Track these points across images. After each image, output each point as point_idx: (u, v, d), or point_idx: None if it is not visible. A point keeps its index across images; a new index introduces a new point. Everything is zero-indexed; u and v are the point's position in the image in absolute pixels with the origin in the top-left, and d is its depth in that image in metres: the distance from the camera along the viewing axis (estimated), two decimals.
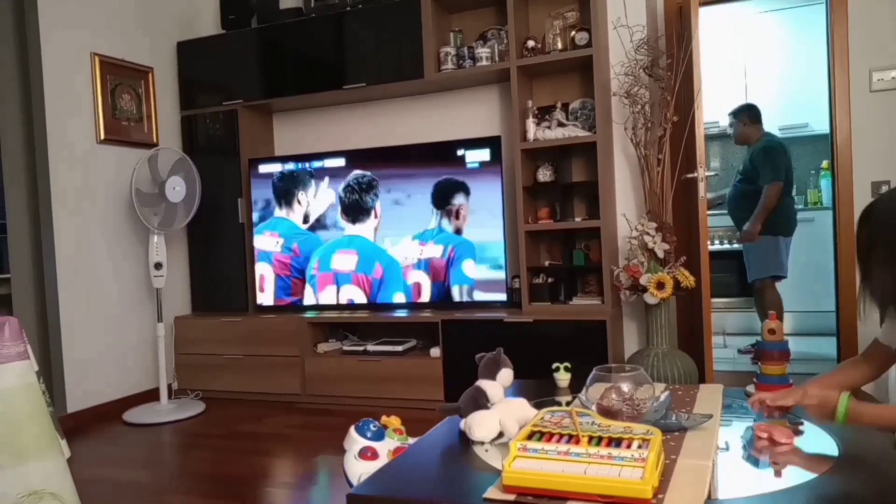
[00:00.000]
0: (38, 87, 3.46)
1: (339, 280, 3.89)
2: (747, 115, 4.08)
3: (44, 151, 3.46)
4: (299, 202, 3.97)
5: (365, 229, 3.84)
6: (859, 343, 3.44)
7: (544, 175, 3.59)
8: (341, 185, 3.89)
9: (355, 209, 3.86)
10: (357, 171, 3.85)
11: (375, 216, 3.82)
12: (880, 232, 1.42)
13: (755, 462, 1.48)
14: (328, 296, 3.91)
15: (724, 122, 4.46)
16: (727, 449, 1.53)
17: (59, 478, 1.80)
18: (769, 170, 3.86)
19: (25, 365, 1.82)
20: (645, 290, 3.16)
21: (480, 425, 1.61)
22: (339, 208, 3.89)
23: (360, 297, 3.86)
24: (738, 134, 4.12)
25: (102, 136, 3.74)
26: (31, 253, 3.64)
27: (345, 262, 3.88)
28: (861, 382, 1.70)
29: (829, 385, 1.64)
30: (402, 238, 3.76)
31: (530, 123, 3.49)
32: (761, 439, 1.53)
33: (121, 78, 3.87)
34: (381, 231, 3.81)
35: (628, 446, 1.26)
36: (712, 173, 4.29)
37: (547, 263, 3.69)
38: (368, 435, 1.86)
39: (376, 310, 3.83)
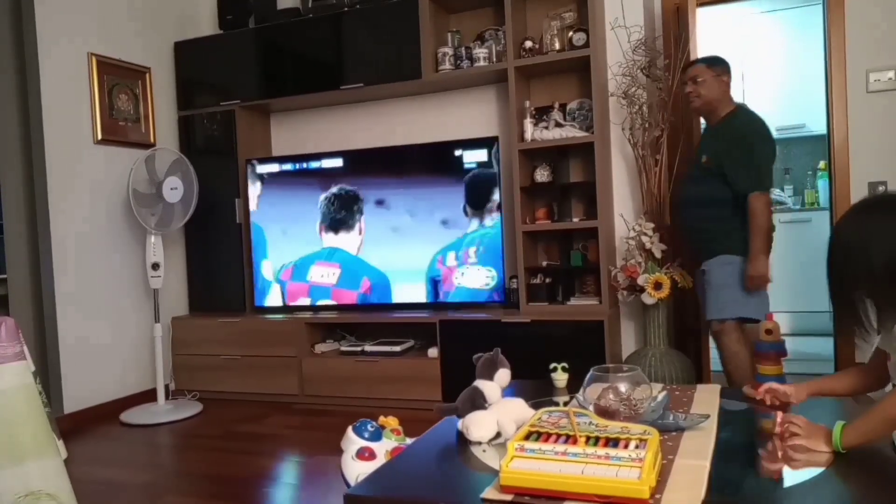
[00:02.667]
0: (35, 87, 3.45)
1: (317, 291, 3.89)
2: (723, 67, 2.93)
3: (41, 151, 3.46)
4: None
5: (350, 240, 3.84)
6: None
7: (542, 175, 3.59)
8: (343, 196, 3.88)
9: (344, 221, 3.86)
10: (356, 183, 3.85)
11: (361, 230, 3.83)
12: (850, 255, 1.44)
13: (752, 462, 1.48)
14: (325, 296, 3.91)
15: None
16: (724, 449, 1.53)
17: (57, 478, 1.80)
18: (753, 166, 2.73)
19: (22, 365, 1.82)
20: (642, 290, 3.16)
21: (478, 425, 1.61)
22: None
23: (358, 298, 3.86)
24: (706, 95, 2.87)
25: (100, 137, 3.73)
26: (27, 253, 3.63)
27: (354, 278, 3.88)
28: (858, 391, 1.68)
29: (821, 388, 1.65)
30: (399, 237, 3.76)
31: (528, 124, 3.49)
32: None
33: (118, 78, 3.87)
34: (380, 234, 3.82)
35: (625, 446, 1.27)
36: None
37: (544, 264, 3.70)
38: (366, 435, 1.86)
39: (374, 310, 3.83)
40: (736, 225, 2.80)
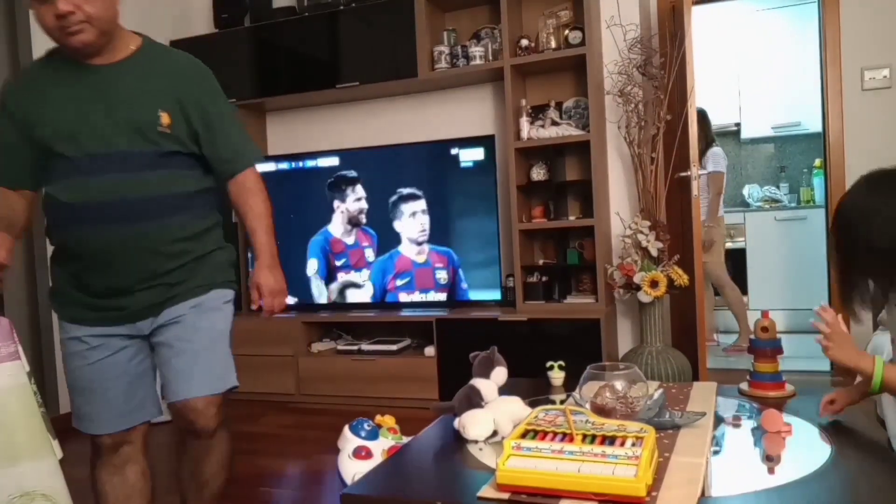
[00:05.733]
0: None
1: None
2: None
3: None
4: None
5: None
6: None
7: (538, 174, 3.59)
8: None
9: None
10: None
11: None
12: (858, 230, 1.41)
13: (748, 459, 1.48)
14: (321, 295, 3.91)
15: (717, 121, 4.46)
16: (720, 446, 1.54)
17: (52, 478, 1.80)
18: (238, 125, 1.74)
19: (17, 365, 1.81)
20: (639, 288, 3.16)
21: (474, 424, 1.61)
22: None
23: (354, 297, 3.85)
24: (101, 16, 1.48)
25: None
26: (22, 252, 3.61)
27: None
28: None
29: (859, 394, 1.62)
30: (398, 237, 3.76)
31: (524, 122, 3.49)
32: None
33: None
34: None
35: (622, 444, 1.27)
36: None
37: (541, 262, 3.69)
38: (362, 434, 1.86)
39: (371, 309, 3.82)
40: (219, 236, 1.82)
